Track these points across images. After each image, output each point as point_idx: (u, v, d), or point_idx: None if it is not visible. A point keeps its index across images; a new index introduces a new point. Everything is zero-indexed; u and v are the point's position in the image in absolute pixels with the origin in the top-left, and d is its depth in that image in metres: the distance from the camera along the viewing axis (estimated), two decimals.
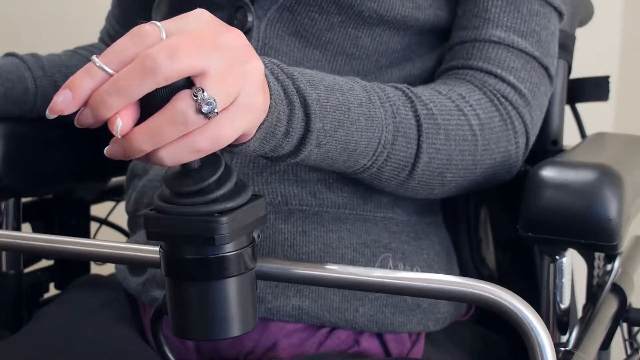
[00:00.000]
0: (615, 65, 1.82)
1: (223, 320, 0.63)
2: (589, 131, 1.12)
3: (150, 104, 0.57)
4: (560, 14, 0.92)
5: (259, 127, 0.64)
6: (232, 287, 0.63)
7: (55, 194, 1.18)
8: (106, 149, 0.59)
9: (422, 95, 0.82)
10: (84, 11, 1.71)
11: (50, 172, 1.11)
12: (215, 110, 0.57)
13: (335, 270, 0.71)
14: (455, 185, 0.86)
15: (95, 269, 1.26)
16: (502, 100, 0.86)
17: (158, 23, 0.58)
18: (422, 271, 0.90)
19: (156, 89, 0.56)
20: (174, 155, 0.58)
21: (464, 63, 0.88)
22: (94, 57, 0.57)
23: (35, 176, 1.08)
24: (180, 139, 0.57)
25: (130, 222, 0.99)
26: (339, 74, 0.78)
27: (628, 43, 1.84)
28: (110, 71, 0.57)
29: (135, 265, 0.93)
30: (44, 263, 1.18)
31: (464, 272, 1.00)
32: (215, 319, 0.63)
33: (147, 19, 0.97)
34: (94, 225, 1.26)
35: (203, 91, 0.56)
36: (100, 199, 1.26)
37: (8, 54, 1.06)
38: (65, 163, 1.13)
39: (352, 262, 0.87)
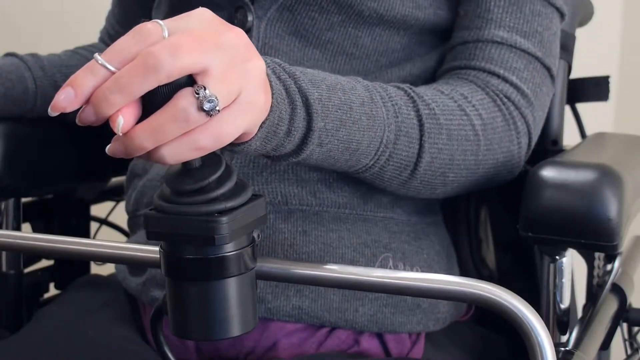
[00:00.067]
0: (615, 65, 1.82)
1: (223, 320, 0.63)
2: (589, 131, 1.12)
3: (152, 102, 0.57)
4: (562, 15, 0.92)
5: (261, 126, 0.64)
6: (232, 287, 0.63)
7: (55, 194, 1.18)
8: (108, 147, 0.59)
9: (424, 95, 0.82)
10: (84, 11, 1.71)
11: (50, 172, 1.11)
12: (217, 108, 0.57)
13: (335, 270, 0.71)
14: (457, 185, 0.86)
15: (95, 269, 1.26)
16: (505, 100, 0.87)
17: (160, 21, 0.58)
18: (422, 271, 0.90)
19: (158, 86, 0.57)
20: (176, 153, 0.58)
21: (467, 63, 0.88)
22: (96, 54, 0.57)
23: (35, 176, 1.08)
24: (181, 137, 0.57)
25: (130, 222, 0.99)
26: (339, 74, 0.78)
27: (628, 43, 1.84)
28: (113, 69, 0.57)
29: (135, 265, 0.93)
30: (44, 263, 1.18)
31: (464, 272, 1.00)
32: (215, 319, 0.63)
33: (148, 18, 0.96)
34: (94, 225, 1.26)
35: (205, 89, 0.57)
36: (100, 199, 1.26)
37: (8, 54, 1.06)
38: (66, 163, 1.13)
39: (352, 262, 0.87)
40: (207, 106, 0.57)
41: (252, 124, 0.61)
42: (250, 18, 0.87)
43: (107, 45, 1.12)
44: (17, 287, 1.09)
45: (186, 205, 0.61)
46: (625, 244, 0.91)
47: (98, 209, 1.27)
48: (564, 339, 0.84)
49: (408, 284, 0.69)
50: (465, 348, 0.95)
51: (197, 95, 0.56)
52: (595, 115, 1.23)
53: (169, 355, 0.73)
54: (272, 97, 0.64)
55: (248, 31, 0.88)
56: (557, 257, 0.82)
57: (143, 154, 0.58)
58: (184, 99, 0.57)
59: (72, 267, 1.19)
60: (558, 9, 0.91)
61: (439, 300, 0.90)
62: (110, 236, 1.09)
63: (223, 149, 0.62)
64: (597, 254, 0.93)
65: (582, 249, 0.87)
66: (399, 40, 0.91)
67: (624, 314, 0.90)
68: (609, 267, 0.91)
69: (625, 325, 0.95)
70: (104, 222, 1.28)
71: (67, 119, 1.08)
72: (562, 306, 0.84)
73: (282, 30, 0.88)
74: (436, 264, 0.92)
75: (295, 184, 0.86)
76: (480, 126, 0.84)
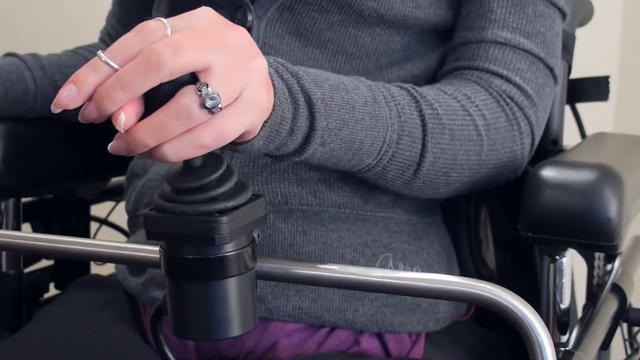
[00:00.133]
0: (615, 65, 1.82)
1: (223, 320, 0.63)
2: (589, 131, 1.12)
3: (155, 100, 0.57)
4: (563, 15, 0.92)
5: (263, 125, 0.64)
6: (232, 287, 0.63)
7: (55, 194, 1.18)
8: (110, 144, 0.59)
9: (427, 95, 0.82)
10: (84, 11, 1.71)
11: (50, 172, 1.11)
12: (219, 106, 0.57)
13: (335, 270, 0.71)
14: (460, 185, 0.86)
15: (95, 269, 1.26)
16: (508, 101, 0.87)
17: (163, 19, 0.58)
18: (422, 271, 0.90)
19: (160, 84, 0.57)
20: (178, 150, 0.58)
21: (470, 64, 0.88)
22: (99, 52, 0.58)
23: (35, 176, 1.08)
24: (183, 134, 0.58)
25: (130, 222, 0.99)
26: (339, 74, 0.78)
27: (628, 43, 1.83)
28: (115, 66, 0.57)
29: (135, 265, 0.93)
30: (44, 263, 1.18)
31: (464, 272, 1.00)
32: (215, 319, 0.63)
33: (148, 18, 0.97)
34: (94, 225, 1.26)
35: (207, 86, 0.57)
36: (100, 199, 1.26)
37: (8, 54, 1.06)
38: (66, 163, 1.13)
39: (352, 262, 0.87)
40: (209, 103, 0.57)
41: (253, 123, 0.62)
42: (250, 17, 0.87)
43: (107, 45, 1.12)
44: (17, 287, 1.09)
45: (186, 204, 0.61)
46: (625, 244, 0.91)
47: (98, 209, 1.27)
48: (564, 339, 0.84)
49: (408, 284, 0.69)
50: (465, 348, 0.95)
51: (199, 93, 0.57)
52: (595, 115, 1.23)
53: (169, 355, 0.73)
54: (275, 97, 0.65)
55: (248, 31, 0.87)
56: (557, 257, 0.82)
57: (145, 151, 0.58)
58: (187, 96, 0.57)
59: (72, 267, 1.19)
60: (560, 9, 0.91)
61: (439, 300, 0.90)
62: (110, 236, 1.09)
63: (223, 148, 0.62)
64: (597, 254, 0.93)
65: (582, 249, 0.87)
66: (399, 40, 0.91)
67: (624, 314, 0.90)
68: (609, 267, 0.91)
69: (625, 325, 0.95)
70: (104, 222, 1.28)
71: (67, 119, 1.09)
72: (562, 306, 0.84)
73: (282, 29, 0.88)
74: (436, 264, 0.92)
75: (296, 183, 0.86)
76: (484, 126, 0.84)
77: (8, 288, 1.08)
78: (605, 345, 0.87)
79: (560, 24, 0.92)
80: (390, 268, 0.88)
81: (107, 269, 1.17)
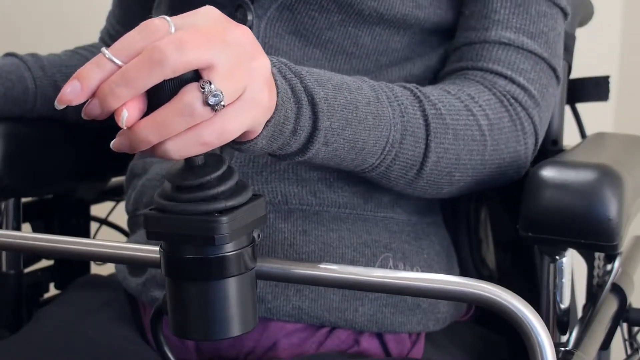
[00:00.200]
0: (615, 65, 1.82)
1: (223, 320, 0.63)
2: (589, 131, 1.12)
3: (158, 97, 0.58)
4: (565, 15, 0.92)
5: (266, 125, 0.65)
6: (232, 287, 0.63)
7: (55, 194, 1.18)
8: (112, 142, 0.60)
9: (430, 95, 0.82)
10: (84, 11, 1.71)
11: (50, 172, 1.11)
12: (222, 103, 0.57)
13: (335, 270, 0.71)
14: (463, 185, 0.86)
15: (95, 269, 1.26)
16: (512, 101, 0.87)
17: (167, 18, 0.59)
18: (422, 271, 0.90)
19: (164, 81, 0.57)
20: (180, 147, 0.58)
21: (473, 64, 0.88)
22: (103, 48, 0.58)
23: (35, 176, 1.08)
24: (186, 132, 0.58)
25: (130, 222, 0.99)
26: (339, 73, 0.78)
27: (628, 43, 1.83)
28: (119, 63, 0.57)
29: (135, 265, 0.93)
30: (44, 263, 1.18)
31: (464, 272, 1.00)
32: (215, 319, 0.63)
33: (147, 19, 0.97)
34: (94, 225, 1.26)
35: (210, 84, 0.57)
36: (100, 199, 1.26)
37: (8, 54, 1.06)
38: (66, 163, 1.13)
39: (353, 262, 0.87)
40: (212, 100, 0.57)
41: (255, 122, 0.62)
42: (250, 17, 0.87)
43: (107, 45, 1.12)
44: (17, 287, 1.09)
45: (186, 202, 0.61)
46: (625, 244, 0.91)
47: (98, 209, 1.27)
48: (564, 339, 0.84)
49: (408, 284, 0.69)
50: (465, 348, 0.95)
51: (202, 90, 0.57)
52: (595, 115, 1.23)
53: (169, 355, 0.73)
54: (278, 96, 0.65)
55: None
56: (557, 257, 0.82)
57: (147, 149, 0.58)
58: (190, 93, 0.57)
59: (72, 267, 1.19)
60: (562, 9, 0.91)
61: (439, 300, 0.90)
62: (110, 236, 1.09)
63: (231, 148, 0.62)
64: (597, 254, 0.93)
65: (582, 249, 0.87)
66: (399, 39, 0.91)
67: (624, 314, 0.90)
68: (609, 267, 0.91)
69: (625, 325, 0.95)
70: (104, 222, 1.28)
71: (67, 119, 1.09)
72: (562, 306, 0.84)
73: (282, 29, 0.88)
74: (436, 264, 0.92)
75: (295, 183, 0.86)
76: (487, 126, 0.84)
77: (8, 288, 1.08)
78: (605, 345, 0.87)
79: (562, 24, 0.92)
80: (390, 268, 0.88)
81: (107, 269, 1.17)
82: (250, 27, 0.88)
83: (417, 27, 0.91)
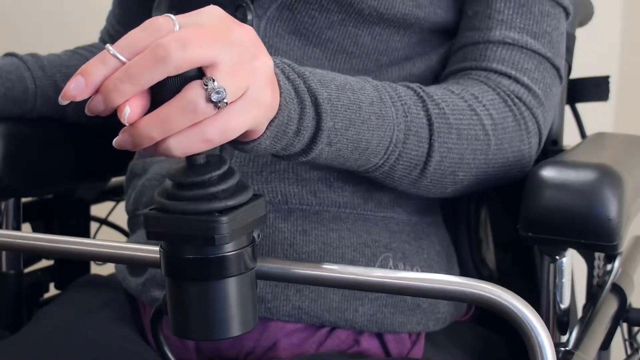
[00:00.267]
0: (615, 65, 1.82)
1: (223, 320, 0.63)
2: (589, 131, 1.12)
3: (161, 94, 0.58)
4: (567, 14, 0.92)
5: (270, 125, 0.65)
6: (232, 287, 0.63)
7: (55, 194, 1.18)
8: (115, 139, 0.60)
9: (434, 94, 0.82)
10: (84, 11, 1.71)
11: (50, 172, 1.11)
12: (225, 101, 0.57)
13: (335, 270, 0.71)
14: (467, 184, 0.86)
15: (95, 269, 1.26)
16: (516, 101, 0.87)
17: (172, 16, 0.59)
18: (422, 271, 0.90)
19: (167, 78, 0.57)
20: (183, 144, 0.58)
21: (477, 64, 0.89)
22: (107, 45, 0.58)
23: (35, 176, 1.08)
24: (189, 128, 0.58)
25: (129, 222, 0.99)
26: (339, 73, 0.79)
27: (628, 43, 1.83)
28: (123, 59, 0.58)
29: (135, 265, 0.93)
30: (44, 263, 1.18)
31: (464, 272, 1.00)
32: (215, 318, 0.63)
33: (147, 19, 0.97)
34: (94, 225, 1.26)
35: (213, 81, 0.57)
36: (100, 199, 1.26)
37: (8, 54, 1.06)
38: (66, 163, 1.12)
39: (353, 262, 0.87)
40: (215, 97, 0.57)
41: (258, 121, 0.62)
42: (250, 17, 0.88)
43: None
44: (17, 287, 1.09)
45: (187, 200, 0.61)
46: (625, 244, 0.91)
47: (98, 209, 1.27)
48: (564, 339, 0.84)
49: (408, 284, 0.69)
50: (465, 348, 0.95)
51: (205, 87, 0.57)
52: (595, 115, 1.23)
53: (169, 355, 0.73)
54: (281, 97, 0.65)
55: None
56: (557, 257, 0.82)
57: (150, 146, 0.59)
58: (193, 90, 0.57)
59: (72, 267, 1.19)
60: (565, 9, 0.91)
61: (439, 300, 0.90)
62: (110, 236, 1.09)
63: (223, 148, 0.62)
64: (597, 254, 0.93)
65: (582, 249, 0.87)
66: (399, 39, 0.91)
67: (624, 314, 0.90)
68: (609, 267, 0.91)
69: (625, 325, 0.95)
70: (104, 222, 1.28)
71: (67, 119, 1.09)
72: (562, 306, 0.84)
73: (282, 29, 0.88)
74: (436, 264, 0.92)
75: (295, 183, 0.86)
76: (491, 126, 0.84)
77: (8, 288, 1.08)
78: (605, 345, 0.87)
79: (565, 24, 0.92)
80: (390, 268, 0.88)
81: (107, 269, 1.17)
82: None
83: (417, 27, 0.91)
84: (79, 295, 0.99)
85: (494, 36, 0.89)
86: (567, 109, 1.10)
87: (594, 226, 0.77)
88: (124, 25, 1.13)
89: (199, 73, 0.58)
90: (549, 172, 0.80)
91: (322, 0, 0.86)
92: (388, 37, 0.90)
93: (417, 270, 0.90)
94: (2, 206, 1.07)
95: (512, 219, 0.87)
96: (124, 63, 0.57)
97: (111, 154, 1.12)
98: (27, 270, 1.12)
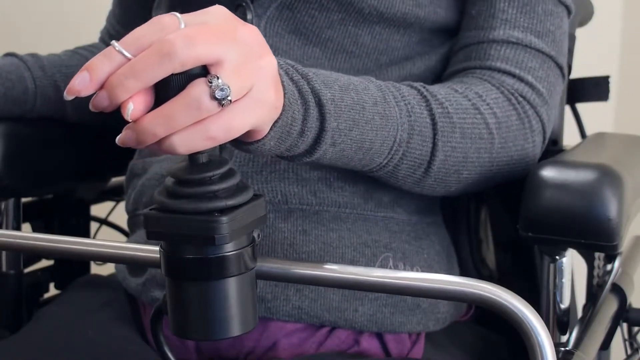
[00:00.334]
0: (615, 65, 1.82)
1: (223, 320, 0.63)
2: (589, 131, 1.12)
3: (165, 91, 0.58)
4: (569, 12, 0.93)
5: (274, 126, 0.65)
6: (232, 287, 0.63)
7: (55, 194, 1.18)
8: (118, 136, 0.60)
9: (437, 94, 0.83)
10: (84, 11, 1.71)
11: (50, 172, 1.11)
12: (229, 98, 0.58)
13: (335, 270, 0.71)
14: (472, 183, 0.86)
15: (95, 269, 1.26)
16: (520, 99, 0.87)
17: (178, 14, 0.59)
18: (423, 271, 0.90)
19: (171, 75, 0.57)
20: (187, 141, 0.58)
21: (481, 64, 0.89)
22: (113, 41, 0.58)
23: (35, 176, 1.08)
24: (193, 126, 0.58)
25: (129, 222, 0.99)
26: (338, 72, 0.79)
27: (628, 43, 1.83)
28: (129, 55, 0.58)
29: (135, 265, 0.93)
30: (44, 263, 1.18)
31: (464, 272, 1.00)
32: (215, 318, 0.63)
33: (147, 19, 0.97)
34: (94, 225, 1.26)
35: (218, 78, 0.57)
36: (100, 199, 1.26)
37: (8, 54, 1.06)
38: (66, 163, 1.12)
39: (353, 262, 0.87)
40: (219, 94, 0.57)
41: (261, 120, 0.62)
42: (249, 16, 0.88)
43: (107, 45, 1.12)
44: (17, 287, 1.09)
45: (187, 198, 0.61)
46: (625, 244, 0.91)
47: (98, 209, 1.27)
48: (564, 339, 0.84)
49: (408, 284, 0.69)
50: (465, 348, 0.95)
51: (210, 84, 0.57)
52: (595, 115, 1.23)
53: (169, 355, 0.73)
54: (285, 98, 0.65)
55: None
56: (557, 257, 0.82)
57: (153, 143, 0.59)
58: (197, 86, 0.57)
59: (72, 267, 1.19)
60: (567, 7, 0.92)
61: (438, 300, 0.90)
62: (110, 236, 1.09)
63: (223, 148, 0.62)
64: (597, 254, 0.93)
65: (582, 249, 0.87)
66: (399, 38, 0.91)
67: (624, 314, 0.90)
68: (609, 267, 0.91)
69: (625, 325, 0.95)
70: (104, 222, 1.28)
71: (67, 119, 1.09)
72: (562, 306, 0.84)
73: (282, 28, 0.88)
74: (436, 263, 0.92)
75: (295, 183, 0.86)
76: (495, 124, 0.85)
77: (8, 288, 1.08)
78: (605, 345, 0.87)
79: (567, 22, 0.93)
80: (391, 268, 0.88)
81: (107, 269, 1.17)
82: None
83: (417, 26, 0.91)
84: (79, 295, 0.99)
85: (498, 35, 0.89)
86: (567, 109, 1.10)
87: (594, 226, 0.77)
88: (124, 25, 1.13)
89: (204, 71, 0.58)
90: (549, 172, 0.80)
91: None
92: (388, 36, 0.90)
93: (417, 270, 0.90)
94: (2, 206, 1.07)
95: (512, 219, 0.87)
96: (129, 59, 0.58)
97: (111, 154, 1.13)
98: (27, 270, 1.12)
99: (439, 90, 0.84)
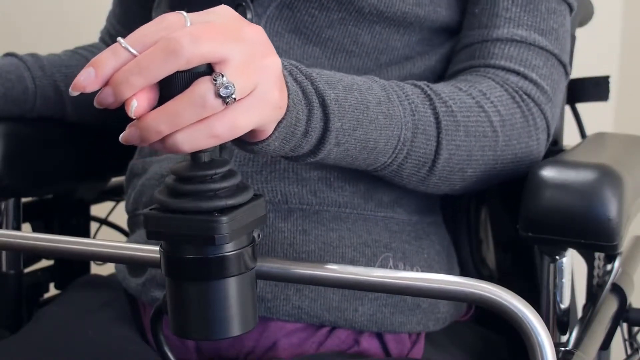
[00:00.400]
0: (615, 65, 1.82)
1: (223, 320, 0.63)
2: (589, 131, 1.12)
3: (170, 88, 0.58)
4: (571, 10, 0.93)
5: (278, 127, 0.65)
6: (232, 286, 0.63)
7: (55, 194, 1.18)
8: (122, 134, 0.60)
9: (441, 92, 0.83)
10: (84, 11, 1.71)
11: (50, 172, 1.11)
12: (234, 96, 0.58)
13: (335, 270, 0.71)
14: (476, 181, 0.86)
15: (95, 269, 1.26)
16: (524, 97, 0.87)
17: (184, 13, 0.60)
18: (423, 271, 0.90)
19: (177, 73, 0.58)
20: (191, 139, 0.58)
21: (485, 62, 0.89)
22: (119, 38, 0.59)
23: (35, 176, 1.08)
24: (197, 123, 0.58)
25: (129, 222, 0.99)
26: (338, 72, 0.79)
27: (628, 43, 1.83)
28: (135, 52, 0.58)
29: (135, 265, 0.93)
30: (44, 263, 1.18)
31: (464, 272, 1.00)
32: (215, 318, 0.63)
33: (147, 19, 0.97)
34: (94, 225, 1.26)
35: (223, 76, 0.58)
36: (100, 199, 1.26)
37: (7, 54, 1.07)
38: (66, 163, 1.13)
39: (353, 262, 0.87)
40: (224, 92, 0.57)
41: (265, 120, 0.62)
42: (249, 16, 0.88)
43: (108, 45, 1.12)
44: (17, 287, 1.09)
45: (187, 197, 0.61)
46: (625, 244, 0.91)
47: (98, 209, 1.27)
48: (564, 339, 0.84)
49: (408, 283, 0.69)
50: (465, 348, 0.95)
51: (214, 82, 0.58)
52: (595, 115, 1.23)
53: (169, 355, 0.73)
54: (289, 98, 0.65)
55: None
56: (557, 257, 0.82)
57: (157, 141, 0.59)
58: (202, 84, 0.58)
59: (72, 267, 1.19)
60: (569, 5, 0.92)
61: (438, 300, 0.90)
62: (110, 236, 1.09)
63: (223, 148, 0.62)
64: (597, 254, 0.93)
65: (582, 249, 0.87)
66: (398, 38, 0.91)
67: (624, 314, 0.90)
68: (609, 267, 0.91)
69: (625, 325, 0.95)
70: (104, 222, 1.28)
71: (67, 119, 1.09)
72: (562, 306, 0.84)
73: (282, 28, 0.88)
74: (436, 263, 0.92)
75: (295, 182, 0.86)
76: (499, 122, 0.85)
77: (8, 288, 1.08)
78: (605, 345, 0.87)
79: (569, 20, 0.93)
80: (391, 268, 0.88)
81: (107, 269, 1.17)
82: None
83: (417, 25, 0.91)
84: (79, 295, 0.99)
85: (501, 34, 0.89)
86: (567, 109, 1.10)
87: (594, 226, 0.77)
88: (124, 25, 1.13)
89: (208, 69, 0.58)
90: (549, 172, 0.80)
91: None
92: (388, 36, 0.90)
93: (417, 270, 0.90)
94: (2, 206, 1.07)
95: (512, 219, 0.87)
96: (135, 56, 0.58)
97: (111, 154, 1.13)
98: (27, 270, 1.12)
99: (443, 88, 0.84)
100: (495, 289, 0.67)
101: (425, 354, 0.90)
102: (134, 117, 0.58)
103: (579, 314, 0.97)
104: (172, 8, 0.94)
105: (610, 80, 1.10)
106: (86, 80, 0.58)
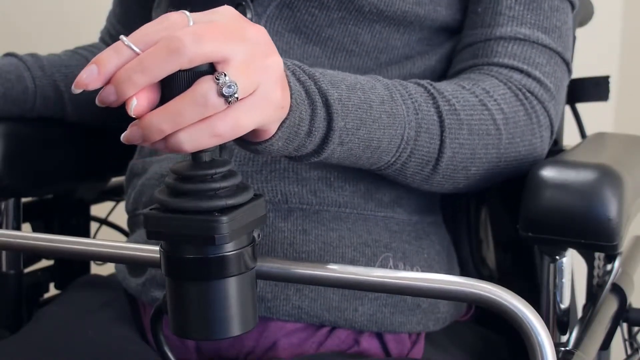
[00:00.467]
0: (615, 65, 1.82)
1: (223, 320, 0.63)
2: (589, 131, 1.12)
3: (172, 87, 0.58)
4: (573, 7, 0.93)
5: (281, 126, 0.65)
6: (232, 286, 0.63)
7: (55, 194, 1.18)
8: (124, 133, 0.60)
9: (444, 90, 0.83)
10: (84, 11, 1.71)
11: (50, 172, 1.11)
12: (236, 95, 0.58)
13: (335, 270, 0.71)
14: (480, 179, 0.86)
15: (95, 269, 1.26)
16: (528, 95, 0.87)
17: (187, 12, 0.60)
18: (423, 271, 0.90)
19: (179, 72, 0.58)
20: (193, 138, 0.58)
21: (488, 60, 0.89)
22: (122, 36, 0.59)
23: (35, 176, 1.08)
24: (199, 122, 0.58)
25: (129, 222, 0.99)
26: (338, 71, 0.79)
27: (628, 43, 1.83)
28: (137, 50, 0.58)
29: (135, 265, 0.93)
30: (44, 263, 1.18)
31: (464, 272, 1.00)
32: (215, 318, 0.63)
33: (147, 19, 0.97)
34: (94, 225, 1.26)
35: (225, 75, 0.58)
36: (100, 199, 1.27)
37: (7, 54, 1.07)
38: (66, 163, 1.13)
39: (353, 262, 0.87)
40: (226, 91, 0.58)
41: (267, 119, 0.62)
42: (249, 15, 0.88)
43: (108, 45, 1.12)
44: (17, 287, 1.09)
45: (188, 197, 0.61)
46: (625, 244, 0.91)
47: (98, 209, 1.27)
48: (564, 339, 0.84)
49: (408, 283, 0.69)
50: (465, 348, 0.95)
51: (217, 81, 0.58)
52: (595, 115, 1.23)
53: (169, 355, 0.73)
54: (292, 98, 0.65)
55: None
56: (557, 257, 0.82)
57: (159, 141, 0.59)
58: (205, 83, 0.58)
59: (72, 267, 1.19)
60: (572, 3, 0.93)
61: (438, 300, 0.90)
62: (110, 236, 1.09)
63: (223, 148, 0.63)
64: (597, 254, 0.93)
65: (582, 249, 0.87)
66: (398, 37, 0.91)
67: (624, 314, 0.90)
68: (609, 267, 0.91)
69: (625, 325, 0.95)
70: (104, 222, 1.28)
71: (67, 119, 1.09)
72: (562, 306, 0.84)
73: (282, 27, 0.88)
74: (436, 263, 0.92)
75: (295, 182, 0.86)
76: (502, 120, 0.85)
77: (8, 288, 1.08)
78: (605, 345, 0.87)
79: (572, 18, 0.93)
80: (391, 268, 0.88)
81: (107, 269, 1.17)
82: None
83: (417, 25, 0.91)
84: (79, 295, 0.99)
85: (505, 32, 0.89)
86: (567, 109, 1.10)
87: (594, 226, 0.77)
88: (125, 25, 1.13)
89: (210, 69, 0.58)
90: (549, 172, 0.80)
91: None
92: (388, 35, 0.90)
93: (417, 270, 0.90)
94: (2, 206, 1.07)
95: (512, 219, 0.87)
96: (137, 54, 0.58)
97: (111, 154, 1.13)
98: (27, 270, 1.12)
99: (446, 87, 0.84)
100: (495, 289, 0.67)
101: (425, 354, 0.90)
102: (134, 116, 0.58)
103: (579, 314, 0.97)
104: (172, 8, 0.94)
105: (610, 80, 1.10)
106: (89, 77, 0.58)
